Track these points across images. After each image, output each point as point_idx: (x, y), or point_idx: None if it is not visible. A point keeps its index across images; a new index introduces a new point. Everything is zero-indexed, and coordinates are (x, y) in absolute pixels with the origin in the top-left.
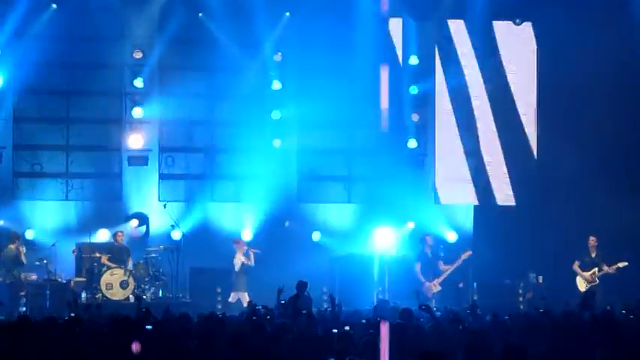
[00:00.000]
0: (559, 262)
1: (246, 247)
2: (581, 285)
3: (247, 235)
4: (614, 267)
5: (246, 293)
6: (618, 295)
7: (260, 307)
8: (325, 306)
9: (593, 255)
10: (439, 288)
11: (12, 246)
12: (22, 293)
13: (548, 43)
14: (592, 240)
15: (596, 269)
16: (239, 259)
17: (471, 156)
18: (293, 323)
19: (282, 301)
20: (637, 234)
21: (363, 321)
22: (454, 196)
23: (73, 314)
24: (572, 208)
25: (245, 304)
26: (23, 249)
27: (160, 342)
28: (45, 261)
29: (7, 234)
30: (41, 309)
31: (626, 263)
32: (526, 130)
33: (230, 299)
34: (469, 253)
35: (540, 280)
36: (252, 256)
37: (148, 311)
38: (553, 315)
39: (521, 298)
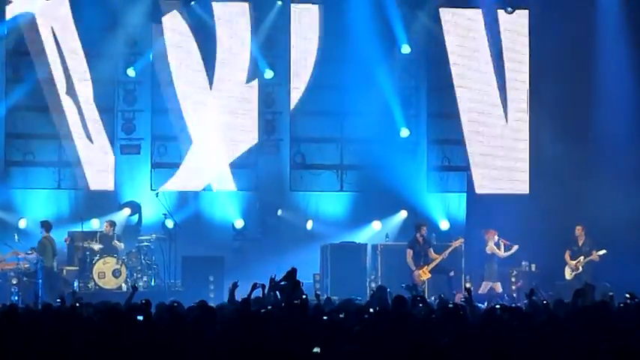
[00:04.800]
0: (552, 251)
1: (497, 237)
2: (568, 274)
3: (239, 224)
4: (597, 255)
5: (499, 283)
6: (610, 282)
7: (272, 293)
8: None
9: (581, 244)
10: (429, 275)
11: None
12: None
13: (540, 31)
14: (578, 229)
15: (582, 258)
16: (491, 249)
17: (464, 145)
18: (287, 312)
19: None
20: (629, 222)
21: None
22: (447, 185)
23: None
24: (564, 196)
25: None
26: None
27: (151, 332)
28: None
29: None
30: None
31: (605, 251)
32: (519, 119)
33: (480, 290)
34: (461, 241)
35: (533, 269)
36: (502, 247)
37: (148, 303)
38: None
39: (513, 287)
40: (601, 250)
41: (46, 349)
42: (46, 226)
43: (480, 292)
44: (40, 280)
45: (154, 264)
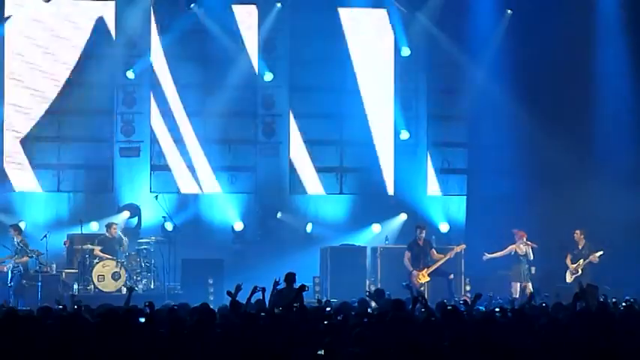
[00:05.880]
0: (552, 253)
1: (524, 239)
2: (568, 277)
3: (239, 227)
4: (595, 257)
5: (530, 283)
6: (611, 285)
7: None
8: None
9: (581, 247)
10: (428, 278)
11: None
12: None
13: (539, 32)
14: (577, 233)
15: (582, 260)
16: (519, 249)
17: (462, 147)
18: (286, 316)
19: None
20: (629, 225)
21: (353, 313)
22: (447, 187)
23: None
24: (564, 199)
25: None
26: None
27: (152, 334)
28: (36, 253)
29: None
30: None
31: (602, 252)
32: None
33: (513, 292)
34: (463, 246)
35: (533, 271)
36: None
37: (152, 305)
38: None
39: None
40: (598, 251)
41: (45, 351)
42: (18, 229)
43: (514, 295)
44: (40, 283)
45: (153, 267)
